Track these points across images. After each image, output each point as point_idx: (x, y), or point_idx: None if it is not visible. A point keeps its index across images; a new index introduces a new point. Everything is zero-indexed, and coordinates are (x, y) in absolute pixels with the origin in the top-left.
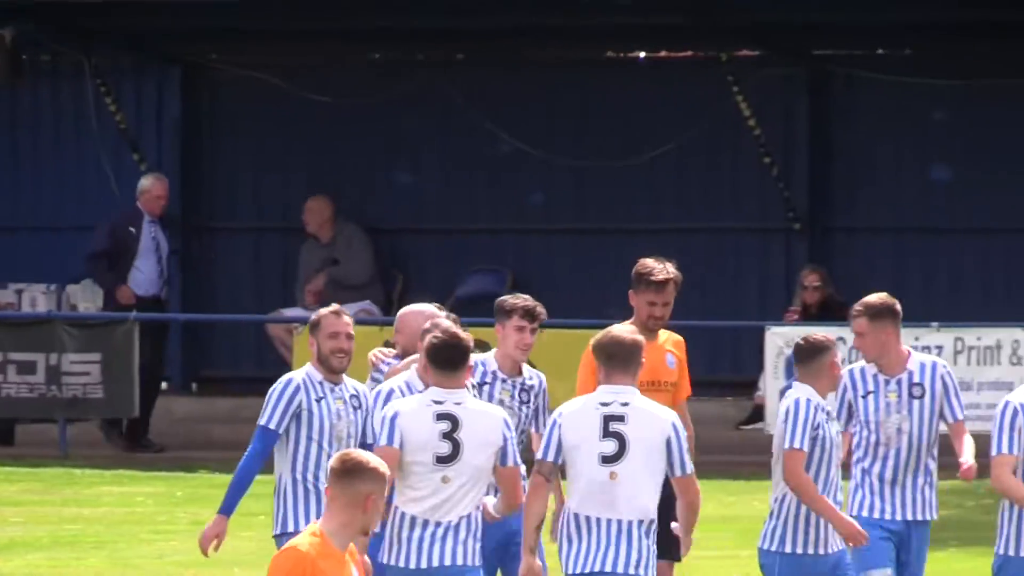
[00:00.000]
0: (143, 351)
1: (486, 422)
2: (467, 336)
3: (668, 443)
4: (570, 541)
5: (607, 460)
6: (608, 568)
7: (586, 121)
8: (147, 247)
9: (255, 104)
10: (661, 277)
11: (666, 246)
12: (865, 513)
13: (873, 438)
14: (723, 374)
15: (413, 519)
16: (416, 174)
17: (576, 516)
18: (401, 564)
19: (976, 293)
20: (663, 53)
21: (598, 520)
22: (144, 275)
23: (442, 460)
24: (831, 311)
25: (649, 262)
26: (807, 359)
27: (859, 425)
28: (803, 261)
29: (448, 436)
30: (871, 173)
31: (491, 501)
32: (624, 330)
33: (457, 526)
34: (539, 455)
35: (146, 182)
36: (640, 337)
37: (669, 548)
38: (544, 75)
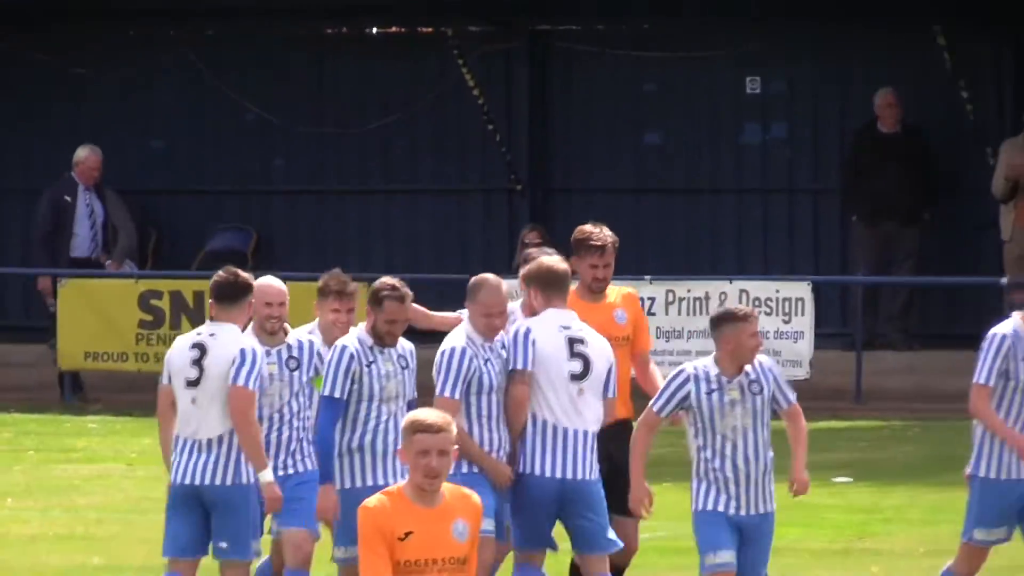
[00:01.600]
0: None
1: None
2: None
3: (610, 369)
4: (543, 449)
5: (575, 378)
6: (579, 476)
7: (323, 92)
8: (83, 214)
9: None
10: (600, 242)
11: (398, 206)
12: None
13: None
14: None
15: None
16: (168, 140)
17: (549, 425)
18: None
19: (684, 249)
20: (394, 29)
21: (565, 430)
22: (80, 238)
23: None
24: None
25: (588, 228)
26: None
27: None
28: (525, 220)
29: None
30: (588, 139)
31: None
32: (553, 259)
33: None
34: (518, 365)
35: (82, 153)
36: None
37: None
38: (284, 49)
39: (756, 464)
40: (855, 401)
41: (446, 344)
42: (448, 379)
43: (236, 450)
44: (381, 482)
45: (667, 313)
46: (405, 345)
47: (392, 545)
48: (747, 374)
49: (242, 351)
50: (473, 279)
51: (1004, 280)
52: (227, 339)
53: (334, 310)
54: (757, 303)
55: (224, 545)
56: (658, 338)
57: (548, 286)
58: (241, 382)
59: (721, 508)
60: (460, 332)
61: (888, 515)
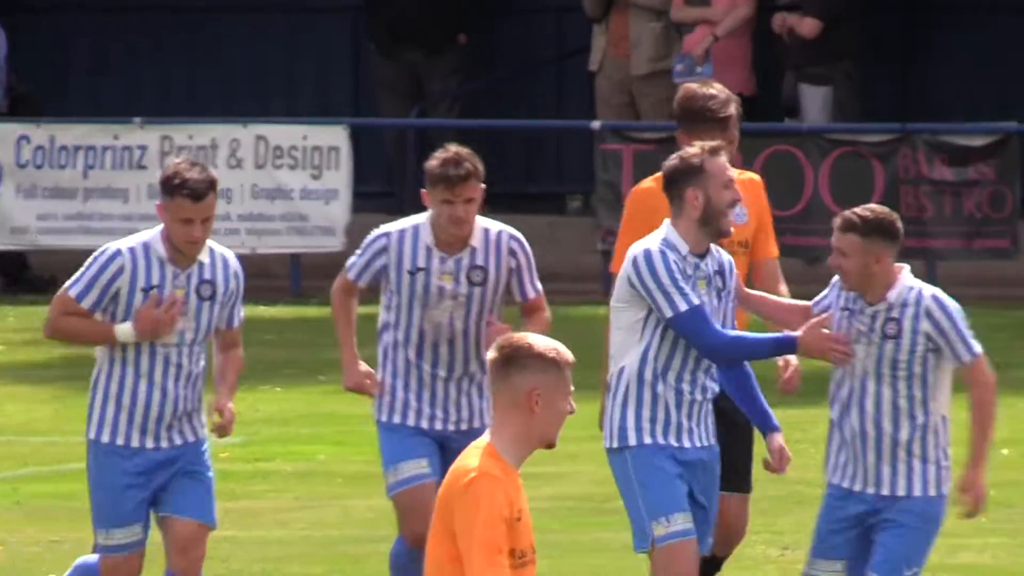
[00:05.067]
0: None
1: None
2: None
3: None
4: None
5: None
6: None
7: None
8: None
9: None
10: (724, 113)
11: None
12: None
13: None
14: None
15: None
16: None
17: None
18: None
19: (185, 84)
20: None
21: None
22: None
23: None
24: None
25: (697, 89)
26: None
27: None
28: None
29: None
30: None
31: None
32: None
33: None
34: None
35: None
36: None
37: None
38: None
39: None
40: None
41: None
42: None
43: None
44: None
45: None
46: None
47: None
48: None
49: None
50: None
51: (596, 124)
52: None
53: None
54: (279, 153)
55: None
56: None
57: None
58: None
59: None
60: None
61: None
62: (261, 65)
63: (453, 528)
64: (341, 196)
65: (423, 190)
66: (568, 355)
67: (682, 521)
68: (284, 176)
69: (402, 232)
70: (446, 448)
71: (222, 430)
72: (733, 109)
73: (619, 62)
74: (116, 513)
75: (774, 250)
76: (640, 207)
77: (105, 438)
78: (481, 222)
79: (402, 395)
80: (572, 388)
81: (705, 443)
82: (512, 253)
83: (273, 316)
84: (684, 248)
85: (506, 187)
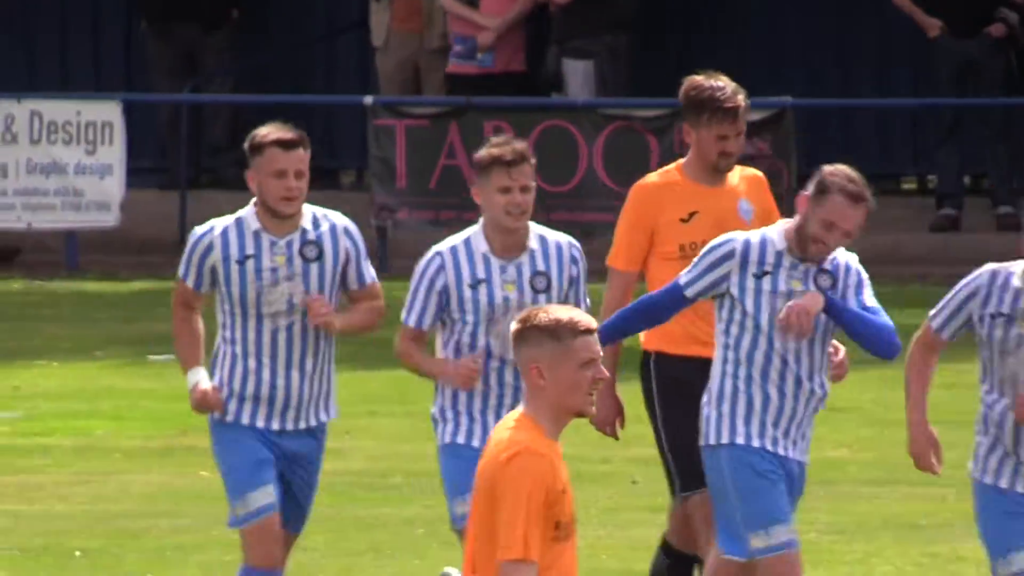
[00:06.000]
0: None
1: None
2: None
3: None
4: None
5: None
6: None
7: None
8: None
9: None
10: (732, 104)
11: None
12: None
13: None
14: None
15: None
16: None
17: None
18: None
19: None
20: None
21: None
22: None
23: None
24: None
25: (703, 81)
26: None
27: None
28: None
29: None
30: None
31: None
32: None
33: None
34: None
35: None
36: None
37: None
38: None
39: None
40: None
41: None
42: None
43: None
44: None
45: None
46: None
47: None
48: None
49: None
50: None
51: (369, 99)
52: None
53: None
54: (54, 128)
55: None
56: None
57: None
58: None
59: None
60: None
61: None
62: (33, 39)
63: (495, 499)
64: (115, 172)
65: (473, 187)
66: (580, 324)
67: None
68: (59, 151)
69: (454, 247)
70: None
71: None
72: (741, 100)
73: (404, 37)
74: (250, 478)
75: None
76: (640, 202)
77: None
78: (535, 227)
79: (472, 419)
80: (593, 355)
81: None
82: (574, 261)
83: (50, 291)
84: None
85: None
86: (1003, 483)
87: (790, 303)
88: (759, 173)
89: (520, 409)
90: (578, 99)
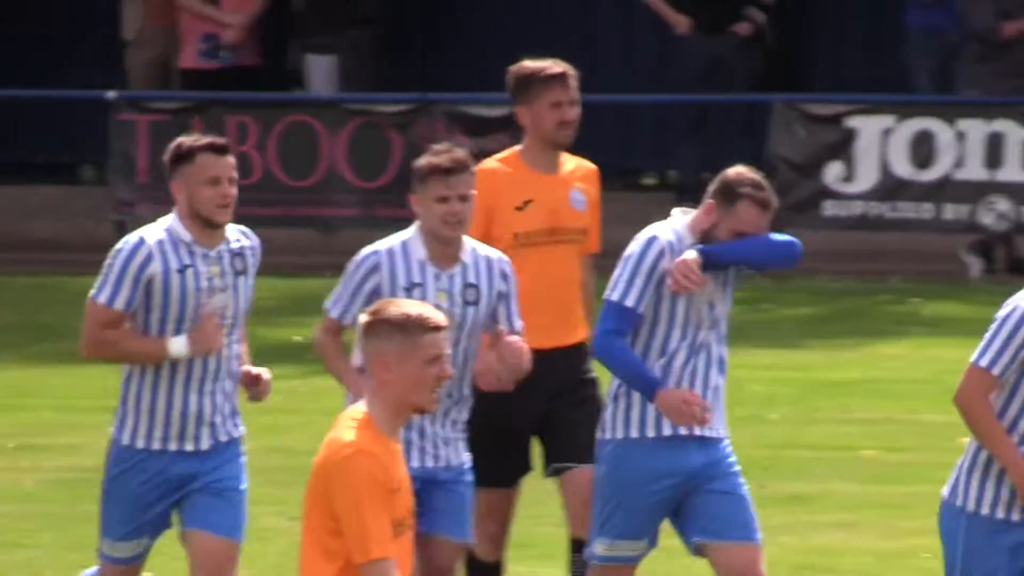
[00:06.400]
0: None
1: None
2: None
3: None
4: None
5: None
6: None
7: None
8: None
9: None
10: (559, 68)
11: None
12: None
13: None
14: None
15: None
16: None
17: None
18: None
19: None
20: None
21: None
22: None
23: None
24: None
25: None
26: None
27: None
28: None
29: None
30: None
31: None
32: None
33: None
34: None
35: None
36: None
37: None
38: None
39: None
40: None
41: None
42: None
43: None
44: None
45: None
46: None
47: None
48: None
49: None
50: None
51: (111, 94)
52: None
53: None
54: None
55: None
56: None
57: None
58: None
59: None
60: None
61: None
62: None
63: (329, 499)
64: None
65: (411, 196)
66: (430, 320)
67: None
68: None
69: (391, 249)
70: (428, 485)
71: None
72: (568, 68)
73: (157, 32)
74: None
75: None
76: (480, 183)
77: None
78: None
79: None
80: (440, 351)
81: None
82: (504, 277)
83: None
84: None
85: (18, 157)
86: None
87: (669, 263)
88: (592, 165)
89: (362, 406)
90: (322, 94)
